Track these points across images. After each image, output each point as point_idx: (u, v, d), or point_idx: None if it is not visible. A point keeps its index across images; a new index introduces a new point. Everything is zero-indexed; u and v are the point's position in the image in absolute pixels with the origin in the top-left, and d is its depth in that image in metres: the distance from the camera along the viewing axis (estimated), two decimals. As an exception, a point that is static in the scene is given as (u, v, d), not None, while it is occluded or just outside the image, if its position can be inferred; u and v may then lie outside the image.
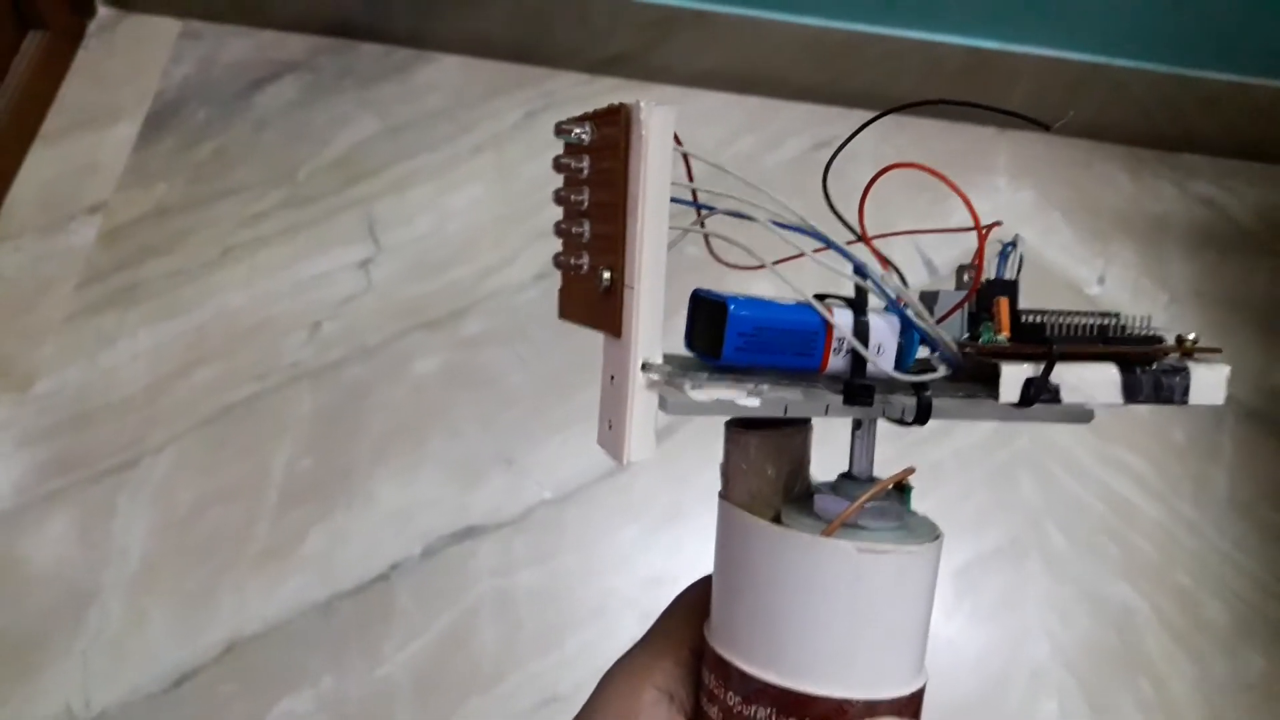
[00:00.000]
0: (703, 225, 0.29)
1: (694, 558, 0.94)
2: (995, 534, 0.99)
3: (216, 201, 1.11)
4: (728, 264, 0.30)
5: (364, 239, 1.09)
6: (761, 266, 0.28)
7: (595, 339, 0.28)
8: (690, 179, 0.28)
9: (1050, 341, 0.28)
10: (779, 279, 0.27)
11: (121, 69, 1.20)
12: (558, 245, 0.28)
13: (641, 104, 0.24)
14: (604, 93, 1.21)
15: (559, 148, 0.28)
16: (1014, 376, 0.28)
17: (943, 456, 1.02)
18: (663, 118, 0.24)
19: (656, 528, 0.95)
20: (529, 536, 0.93)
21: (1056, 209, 1.22)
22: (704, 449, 0.93)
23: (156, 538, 0.91)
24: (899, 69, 1.20)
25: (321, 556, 0.91)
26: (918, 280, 1.11)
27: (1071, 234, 1.20)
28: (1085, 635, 0.95)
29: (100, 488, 0.93)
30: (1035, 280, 1.14)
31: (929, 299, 0.32)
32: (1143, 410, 1.07)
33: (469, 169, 1.14)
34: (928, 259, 1.13)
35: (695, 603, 0.33)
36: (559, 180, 0.28)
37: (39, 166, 1.12)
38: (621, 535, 0.94)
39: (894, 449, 1.07)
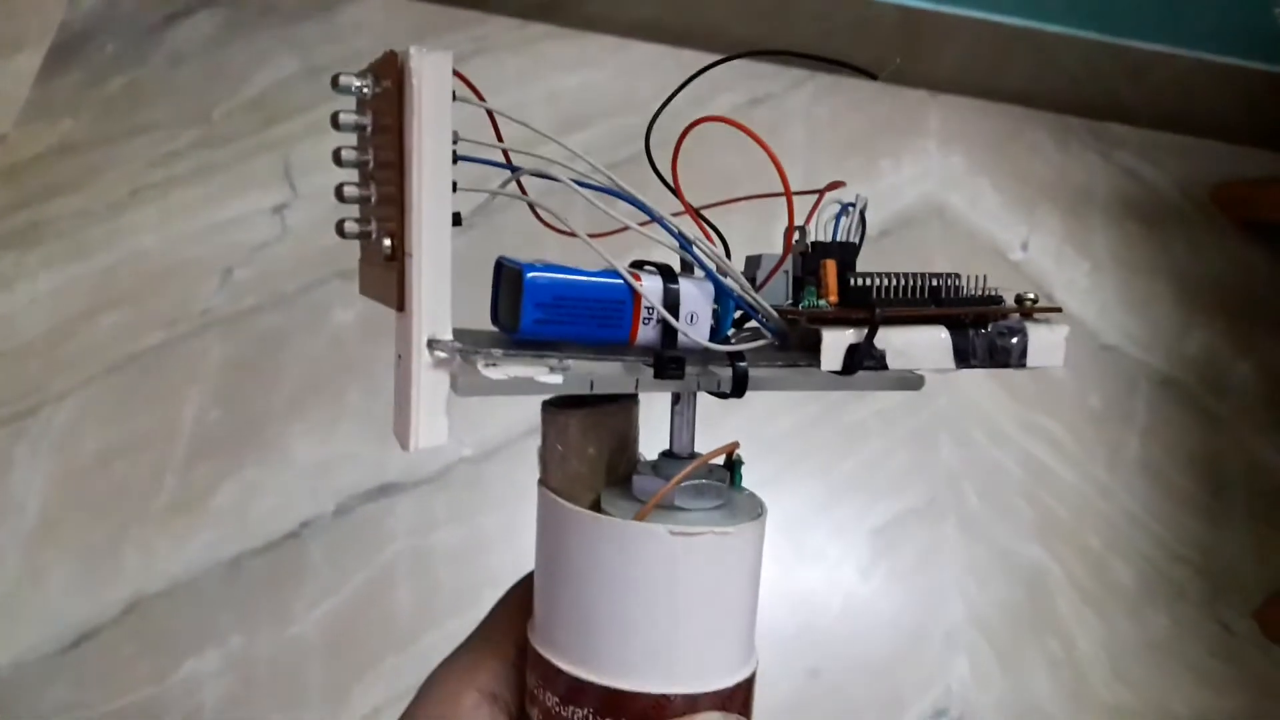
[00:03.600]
0: (523, 190, 0.26)
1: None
2: (913, 494, 1.00)
3: (126, 139, 1.06)
4: (558, 230, 0.28)
5: (280, 183, 1.05)
6: (572, 234, 0.26)
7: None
8: (499, 138, 0.26)
9: (874, 305, 0.26)
10: (604, 247, 0.25)
11: (23, -4, 1.13)
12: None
13: (412, 50, 0.22)
14: (536, 40, 1.18)
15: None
16: (835, 343, 0.26)
17: (864, 416, 1.02)
18: (436, 65, 0.22)
19: (578, 486, 0.94)
20: (448, 494, 0.92)
21: (984, 174, 1.22)
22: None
23: (56, 491, 0.87)
24: (831, 27, 1.19)
25: (231, 512, 0.88)
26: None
27: (998, 200, 1.21)
28: (998, 595, 0.97)
29: (-4, 437, 0.89)
30: (961, 245, 1.15)
31: (753, 263, 0.30)
32: (1060, 375, 1.08)
33: (393, 114, 1.10)
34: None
35: (523, 599, 0.32)
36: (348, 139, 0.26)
37: (-68, 96, 1.06)
38: (542, 493, 0.93)
39: (818, 407, 1.05)
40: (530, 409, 0.94)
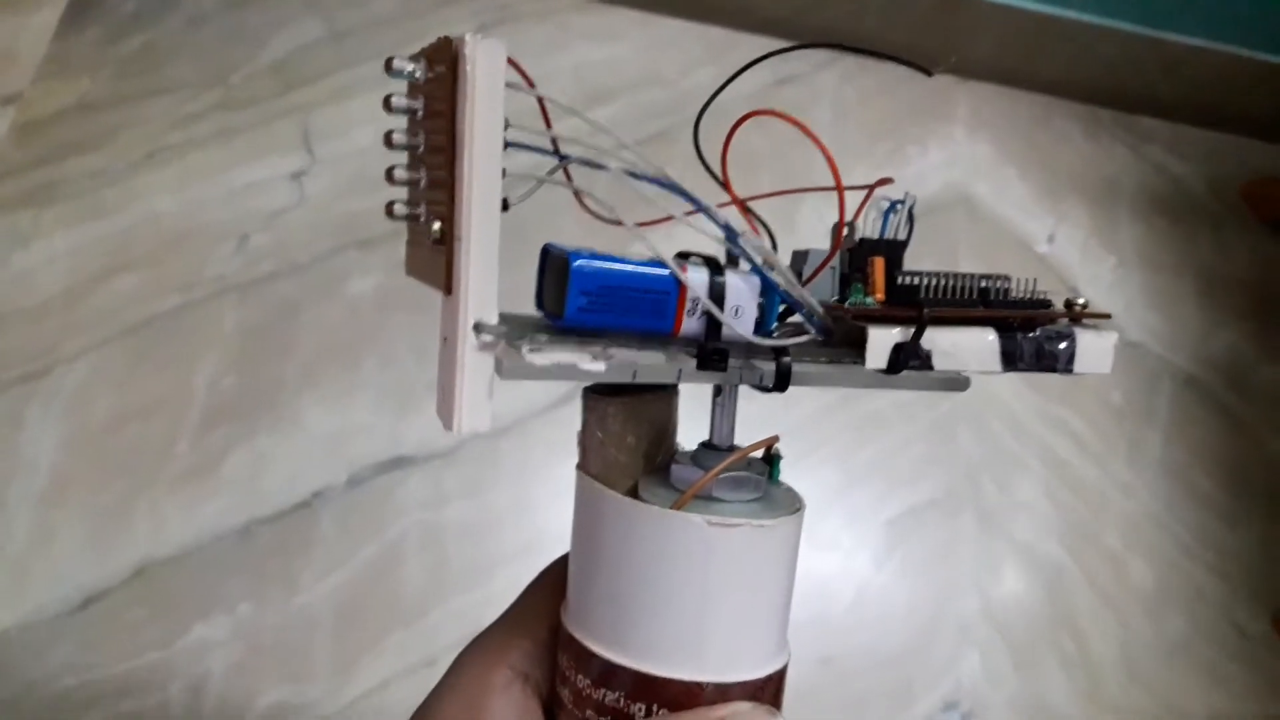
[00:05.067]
0: (569, 176, 0.26)
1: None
2: (931, 486, 0.99)
3: (145, 100, 1.04)
4: (605, 219, 0.28)
5: (299, 149, 1.03)
6: (619, 223, 0.26)
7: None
8: (548, 125, 0.26)
9: (922, 304, 0.26)
10: (648, 236, 0.25)
11: (43, -51, 1.11)
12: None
13: (467, 37, 0.22)
14: (560, 10, 1.16)
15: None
16: (881, 341, 0.26)
17: (882, 406, 1.01)
18: (490, 52, 0.22)
19: (592, 465, 0.93)
20: (461, 469, 0.91)
21: (1012, 164, 1.21)
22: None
23: (67, 452, 0.87)
24: (863, 8, 1.17)
25: (242, 480, 0.88)
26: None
27: (1025, 190, 1.19)
28: (1013, 591, 0.96)
29: (7, 397, 0.88)
30: (986, 235, 1.14)
31: (800, 258, 0.30)
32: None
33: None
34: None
35: (556, 580, 0.32)
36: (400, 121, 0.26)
37: (-51, 50, 1.04)
38: (555, 472, 0.92)
39: (838, 394, 1.04)
40: (545, 388, 0.93)
